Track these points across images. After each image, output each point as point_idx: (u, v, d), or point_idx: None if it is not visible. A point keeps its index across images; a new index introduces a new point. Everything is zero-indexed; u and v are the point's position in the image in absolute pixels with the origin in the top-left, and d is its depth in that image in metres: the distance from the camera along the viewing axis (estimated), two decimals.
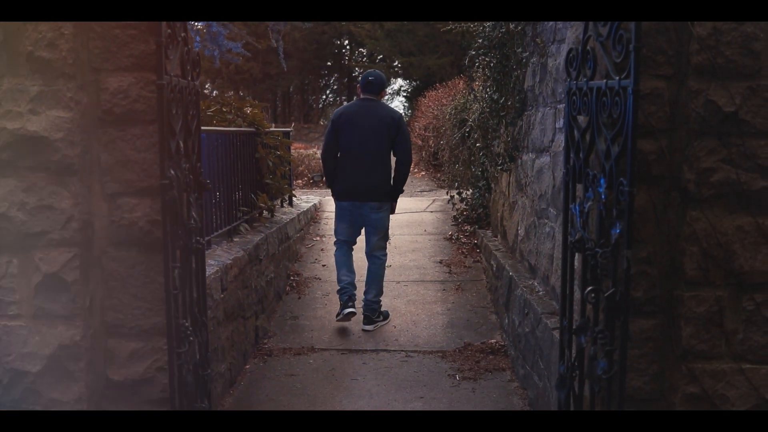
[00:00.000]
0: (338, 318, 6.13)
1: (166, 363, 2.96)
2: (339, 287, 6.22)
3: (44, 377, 2.94)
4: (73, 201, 2.86)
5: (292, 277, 7.19)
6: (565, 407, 3.00)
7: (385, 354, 5.58)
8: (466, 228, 8.52)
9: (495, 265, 6.35)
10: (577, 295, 2.96)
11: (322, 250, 8.13)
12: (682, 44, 2.76)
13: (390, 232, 6.56)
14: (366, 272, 6.27)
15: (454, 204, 9.02)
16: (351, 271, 6.28)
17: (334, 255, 6.42)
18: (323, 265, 7.62)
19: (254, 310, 5.66)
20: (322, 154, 6.38)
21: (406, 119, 21.28)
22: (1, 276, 2.90)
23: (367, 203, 6.12)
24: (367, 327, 6.09)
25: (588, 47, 2.75)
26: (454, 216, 9.02)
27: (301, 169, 13.61)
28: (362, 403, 4.72)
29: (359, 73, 31.05)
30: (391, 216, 6.40)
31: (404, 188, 6.60)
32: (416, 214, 9.71)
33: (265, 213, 6.85)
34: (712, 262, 2.79)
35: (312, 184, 13.56)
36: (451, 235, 8.51)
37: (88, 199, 2.93)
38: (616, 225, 2.49)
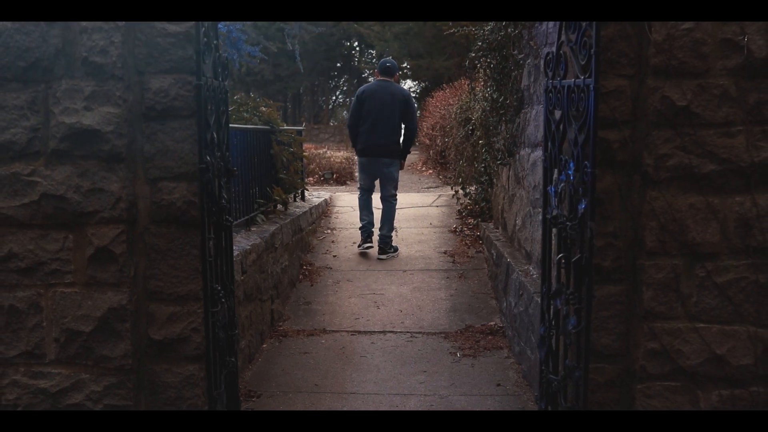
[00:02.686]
0: (359, 248, 8.01)
1: (200, 324, 3.41)
2: (360, 225, 8.07)
3: (95, 336, 3.37)
4: (120, 185, 3.30)
5: (304, 267, 7.61)
6: (545, 364, 3.46)
7: (391, 335, 6.00)
8: (469, 221, 8.87)
9: (495, 254, 6.76)
10: (554, 265, 3.41)
11: (332, 242, 8.54)
12: (641, 48, 3.20)
13: (398, 225, 8.10)
14: (381, 213, 8.03)
15: (458, 199, 9.40)
16: (370, 212, 8.10)
17: (358, 199, 8.26)
18: (334, 256, 8.02)
19: (270, 294, 6.10)
20: (349, 121, 8.25)
21: None
22: (59, 249, 3.35)
23: (380, 158, 7.93)
24: (381, 256, 7.87)
25: (561, 51, 3.21)
26: (459, 210, 9.39)
27: (312, 167, 14.03)
28: (370, 376, 5.15)
29: (369, 74, 31.47)
30: (398, 206, 8.23)
31: (411, 151, 8.70)
32: (422, 209, 10.11)
33: (279, 206, 7.28)
34: (668, 235, 3.23)
35: (323, 182, 13.98)
36: (456, 227, 8.88)
37: (133, 183, 3.37)
38: (582, 201, 2.94)
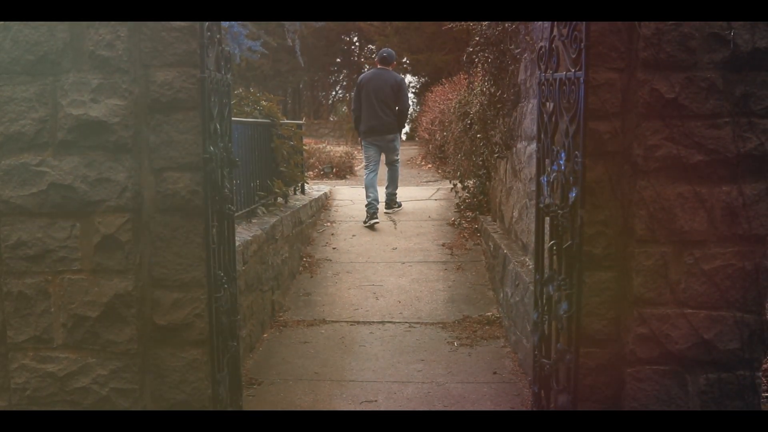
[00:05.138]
0: (366, 224, 8.82)
1: (203, 310, 3.51)
2: (366, 202, 8.92)
3: (102, 321, 3.46)
4: (126, 174, 3.40)
5: (304, 259, 7.71)
6: (538, 349, 3.56)
7: (390, 325, 6.10)
8: (467, 214, 8.93)
9: (492, 246, 6.85)
10: (547, 252, 3.52)
11: (332, 234, 8.61)
12: (631, 42, 3.29)
13: (396, 218, 8.80)
14: (387, 175, 9.32)
15: (456, 192, 9.46)
16: (375, 190, 8.98)
17: (364, 179, 9.21)
18: (333, 248, 8.11)
19: (271, 285, 6.20)
20: (353, 106, 9.43)
21: (414, 114, 22.31)
22: (67, 237, 3.44)
23: (384, 136, 9.10)
24: (388, 210, 9.26)
25: (553, 45, 3.31)
26: (457, 203, 9.44)
27: (312, 161, 14.08)
28: (369, 365, 5.26)
29: (369, 69, 31.47)
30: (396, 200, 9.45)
31: (406, 128, 10.00)
32: (421, 202, 10.20)
33: (279, 199, 7.39)
34: (657, 223, 3.32)
35: (323, 176, 14.04)
36: (454, 220, 8.95)
37: (138, 172, 3.47)
38: (572, 189, 3.05)
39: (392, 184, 9.37)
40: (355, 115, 9.37)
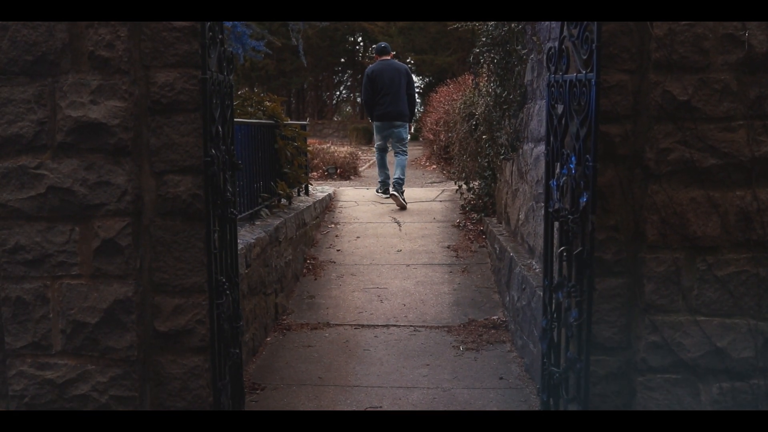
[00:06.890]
0: (385, 196, 10.19)
1: (205, 316, 3.44)
2: (380, 180, 10.52)
3: (101, 328, 3.40)
4: (126, 177, 3.34)
5: (308, 261, 7.64)
6: (547, 357, 3.49)
7: (395, 329, 6.03)
8: (473, 216, 8.87)
9: (498, 248, 6.78)
10: (556, 258, 3.44)
11: (336, 236, 8.55)
12: (643, 43, 3.22)
13: (401, 219, 8.72)
14: (395, 163, 10.06)
15: (462, 194, 9.40)
16: (386, 169, 10.44)
17: (375, 158, 10.68)
18: (338, 250, 8.04)
19: (274, 288, 6.14)
20: (364, 97, 10.40)
21: (418, 115, 22.79)
22: (66, 242, 3.38)
23: (393, 122, 10.03)
24: (394, 192, 9.75)
25: (563, 46, 3.24)
26: (462, 205, 9.38)
27: (316, 162, 14.02)
28: (373, 369, 5.18)
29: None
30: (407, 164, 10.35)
31: (415, 119, 10.96)
32: (426, 204, 10.12)
33: (283, 200, 7.31)
34: (669, 228, 3.25)
35: (327, 176, 13.98)
36: (459, 222, 8.88)
37: (139, 176, 3.40)
38: (583, 194, 2.97)
39: (399, 169, 9.92)
40: (367, 105, 10.29)
